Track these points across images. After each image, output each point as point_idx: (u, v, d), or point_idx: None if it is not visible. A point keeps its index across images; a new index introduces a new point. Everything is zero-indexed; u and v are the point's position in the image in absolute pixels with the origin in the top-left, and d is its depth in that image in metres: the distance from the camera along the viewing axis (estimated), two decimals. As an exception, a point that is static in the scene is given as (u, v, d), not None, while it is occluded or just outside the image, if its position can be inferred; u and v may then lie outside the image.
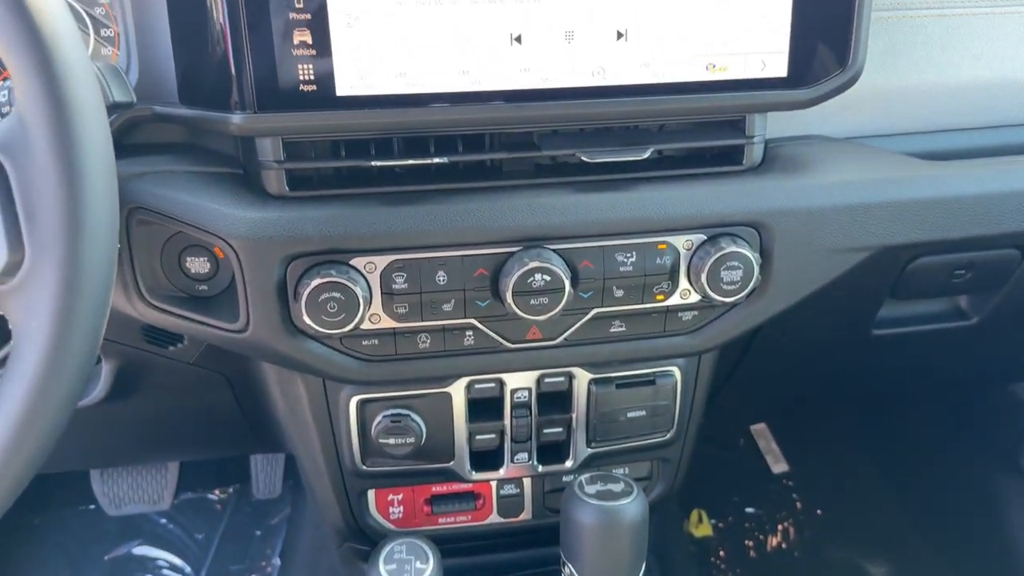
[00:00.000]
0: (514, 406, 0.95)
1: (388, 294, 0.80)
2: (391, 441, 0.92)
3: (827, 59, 0.79)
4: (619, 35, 0.77)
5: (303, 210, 0.77)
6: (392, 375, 0.85)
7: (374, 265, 0.79)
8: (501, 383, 0.93)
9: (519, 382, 0.94)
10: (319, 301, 0.76)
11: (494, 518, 1.04)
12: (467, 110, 0.75)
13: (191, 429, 1.23)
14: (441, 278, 0.80)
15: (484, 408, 0.94)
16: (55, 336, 0.53)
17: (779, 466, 2.04)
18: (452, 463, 0.97)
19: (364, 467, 0.96)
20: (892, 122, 0.95)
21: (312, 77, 0.73)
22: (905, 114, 0.94)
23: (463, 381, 0.92)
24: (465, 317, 0.82)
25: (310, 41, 0.72)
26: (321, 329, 0.77)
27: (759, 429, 2.08)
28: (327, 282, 0.76)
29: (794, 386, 1.49)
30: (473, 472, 0.99)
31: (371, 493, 1.01)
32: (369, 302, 0.78)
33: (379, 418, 0.92)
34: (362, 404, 0.92)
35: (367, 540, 1.05)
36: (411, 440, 0.92)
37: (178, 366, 0.99)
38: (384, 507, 1.02)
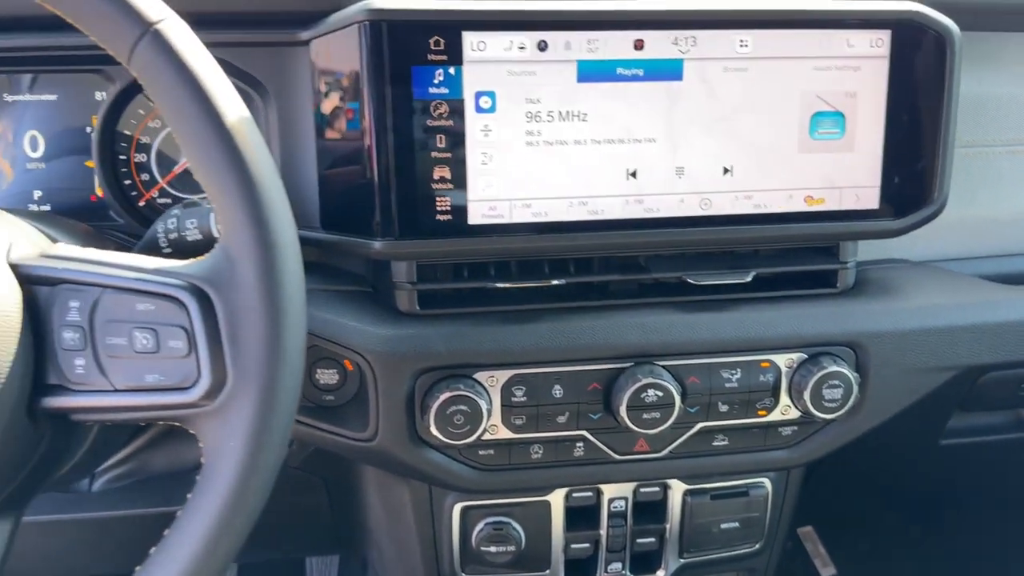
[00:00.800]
0: (610, 515, 0.98)
1: (507, 406, 0.84)
2: (492, 548, 0.95)
3: (915, 192, 0.85)
4: (725, 171, 0.84)
5: (432, 327, 0.82)
6: (505, 484, 0.89)
7: (495, 379, 0.84)
8: (599, 492, 0.96)
9: (616, 491, 0.97)
10: (447, 413, 0.81)
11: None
12: (586, 237, 0.82)
13: (275, 528, 1.25)
14: (557, 391, 0.84)
15: (581, 517, 0.97)
16: (251, 456, 0.58)
17: (827, 570, 2.03)
18: (547, 571, 1.00)
19: (462, 574, 0.98)
20: (968, 247, 1.01)
21: (448, 208, 0.80)
22: (979, 240, 1.01)
23: (562, 490, 0.96)
24: (577, 429, 0.86)
25: (449, 176, 0.79)
26: (446, 440, 0.82)
27: (806, 532, 2.07)
28: (455, 395, 0.81)
29: (851, 492, 1.51)
30: (567, 581, 1.01)
31: (462, 600, 1.03)
32: (490, 414, 0.82)
33: (481, 525, 0.95)
34: (465, 511, 0.95)
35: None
36: (511, 548, 0.95)
37: (284, 469, 1.03)
38: (474, 615, 1.04)
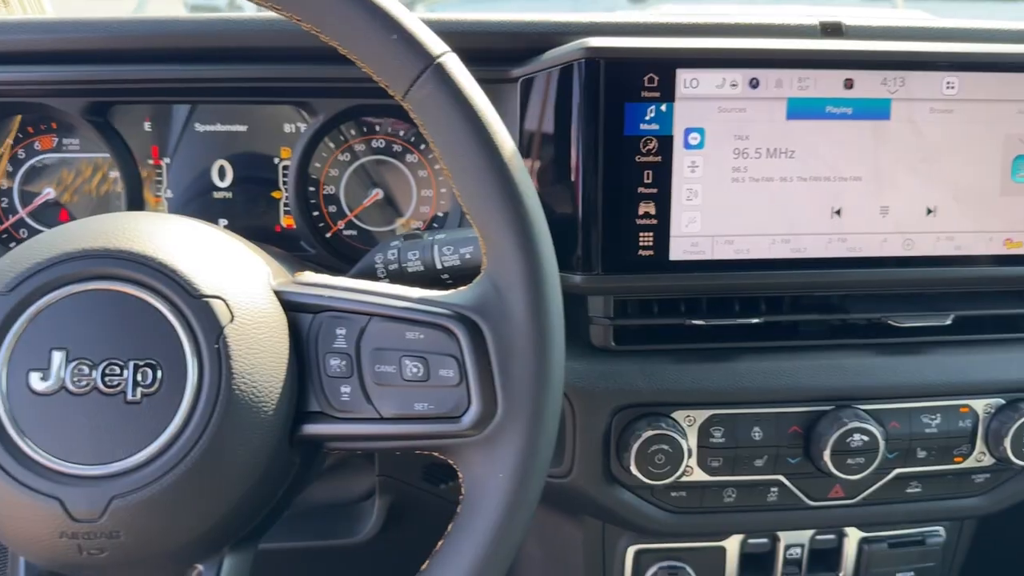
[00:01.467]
0: (785, 562, 0.95)
1: (705, 447, 0.83)
2: (665, 592, 0.93)
3: (1120, 237, 0.84)
4: (928, 211, 0.82)
5: (630, 364, 0.82)
6: (695, 527, 0.87)
7: (693, 419, 0.82)
8: (774, 538, 0.94)
9: (793, 538, 0.94)
10: (648, 452, 0.79)
11: None
12: (788, 275, 0.81)
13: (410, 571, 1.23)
14: (756, 434, 0.83)
15: (755, 563, 0.95)
16: (517, 489, 0.57)
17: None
18: (713, 618, 0.97)
19: (631, 618, 0.96)
20: None
21: (651, 244, 0.79)
22: None
23: (738, 536, 0.93)
24: (774, 473, 0.84)
25: (653, 212, 0.79)
26: (645, 479, 0.80)
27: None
28: (657, 434, 0.79)
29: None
30: (735, 627, 0.98)
31: (625, 643, 1.01)
32: (689, 454, 0.81)
33: (654, 568, 0.93)
34: (639, 554, 0.93)
35: None
36: (685, 592, 0.93)
37: (440, 504, 1.02)
38: (640, 660, 1.01)
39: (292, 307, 0.60)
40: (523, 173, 0.58)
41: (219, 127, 0.91)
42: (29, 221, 0.89)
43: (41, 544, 0.54)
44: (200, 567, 0.60)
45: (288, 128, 0.91)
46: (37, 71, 0.81)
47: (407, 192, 0.93)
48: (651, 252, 0.80)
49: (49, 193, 0.88)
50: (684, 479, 0.83)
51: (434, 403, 0.58)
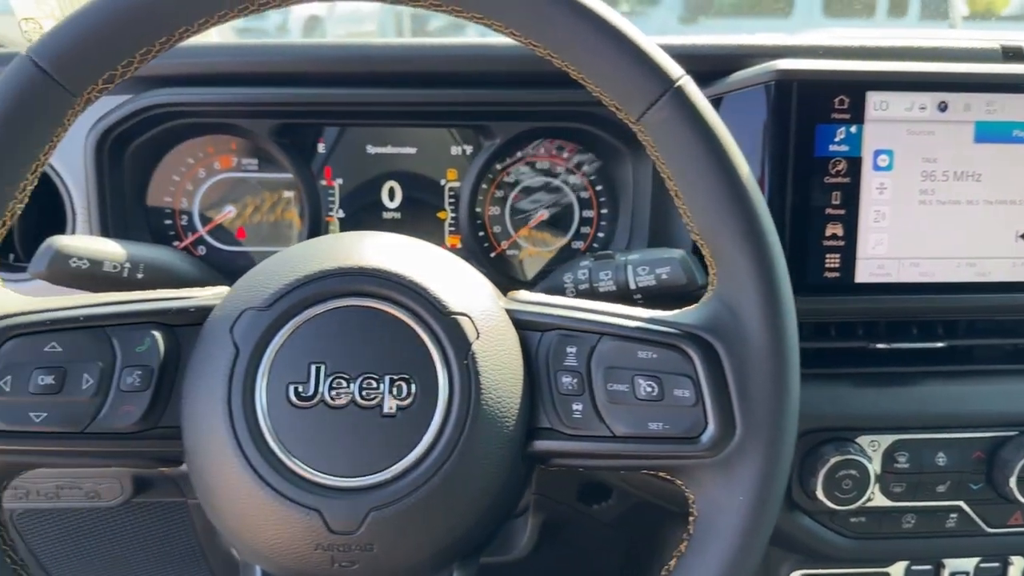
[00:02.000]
0: (949, 590, 0.93)
1: (888, 473, 0.82)
2: (829, 619, 0.92)
3: None
4: (1117, 235, 0.81)
5: (814, 388, 0.81)
6: (872, 554, 0.86)
7: (878, 444, 0.81)
8: (939, 565, 0.92)
9: (957, 565, 0.92)
10: (835, 477, 0.79)
11: None
12: (972, 299, 0.80)
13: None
14: (940, 459, 0.82)
15: (919, 592, 0.93)
16: (756, 512, 0.57)
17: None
18: (877, 646, 0.95)
19: (790, 645, 0.95)
20: None
21: (837, 266, 0.79)
22: None
23: (903, 562, 0.92)
24: (955, 499, 0.83)
25: (841, 234, 0.79)
26: (830, 504, 0.79)
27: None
28: (845, 459, 0.79)
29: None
30: (894, 658, 0.96)
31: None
32: (875, 480, 0.80)
33: (817, 595, 0.92)
34: (802, 579, 0.92)
35: None
36: (850, 619, 0.91)
37: (591, 524, 1.02)
38: None
39: (521, 325, 0.61)
40: (759, 196, 0.58)
41: (390, 149, 0.93)
42: (208, 239, 0.91)
43: (295, 556, 0.55)
44: None
45: (455, 151, 0.93)
46: (231, 92, 0.83)
47: (570, 213, 0.94)
48: (837, 274, 0.79)
49: (230, 212, 0.90)
50: (867, 505, 0.82)
51: (669, 423, 0.58)
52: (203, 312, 0.59)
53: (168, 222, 0.91)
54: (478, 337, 0.57)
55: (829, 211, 0.79)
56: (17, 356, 0.55)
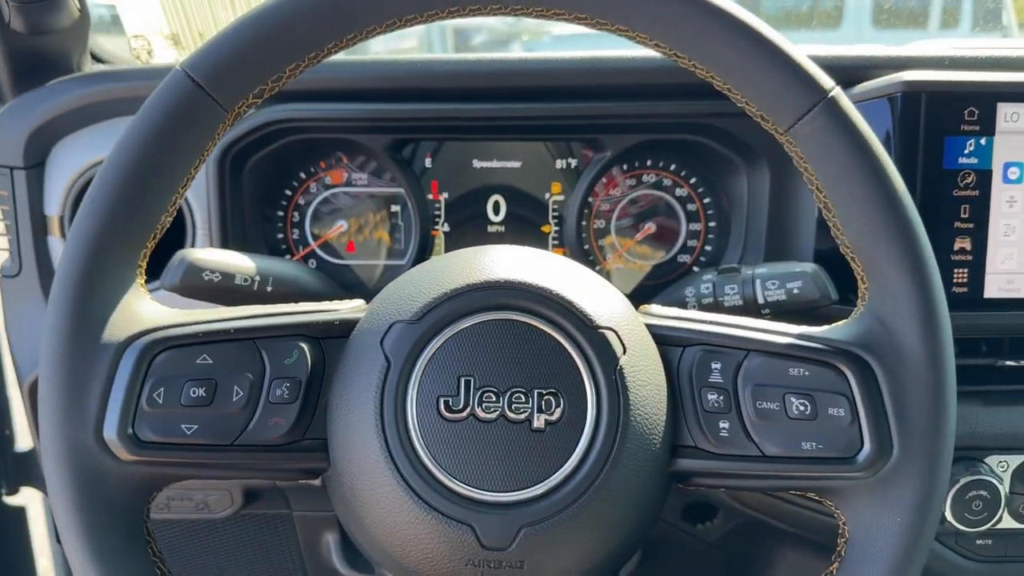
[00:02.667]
0: (1073, 618, 0.90)
1: (1017, 494, 0.79)
2: (948, 645, 0.89)
3: None
4: None
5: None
6: (996, 578, 0.83)
7: (1007, 464, 0.79)
8: (1062, 592, 0.89)
9: (1083, 593, 0.89)
10: (965, 499, 0.76)
11: None
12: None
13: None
14: (1073, 481, 0.79)
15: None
16: (915, 533, 0.55)
17: None
18: (995, 675, 0.92)
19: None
20: None
21: (965, 280, 0.77)
22: None
23: (1024, 587, 0.89)
24: (1089, 523, 0.80)
25: (969, 248, 0.77)
26: (959, 526, 0.77)
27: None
28: (976, 480, 0.76)
29: None
30: None
31: None
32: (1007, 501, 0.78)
33: (935, 618, 0.89)
34: (919, 602, 0.89)
35: None
36: (969, 647, 0.88)
37: (694, 544, 1.00)
38: None
39: (661, 340, 0.60)
40: (914, 209, 0.57)
41: (495, 163, 0.93)
42: (319, 252, 0.92)
43: (443, 570, 0.54)
44: None
45: (560, 164, 0.93)
46: (349, 108, 0.84)
47: (676, 227, 0.93)
48: (965, 289, 0.77)
49: (342, 226, 0.91)
50: (995, 527, 0.80)
51: (823, 442, 0.57)
52: (348, 325, 0.59)
53: (280, 236, 0.92)
54: (625, 352, 0.57)
55: (958, 225, 0.77)
56: (169, 368, 0.56)
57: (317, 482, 0.63)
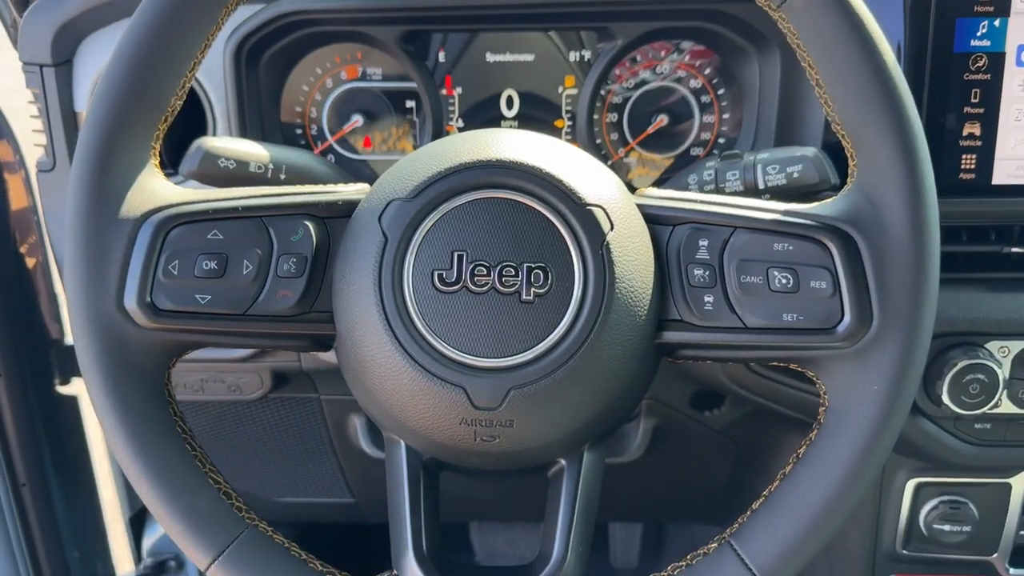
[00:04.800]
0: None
1: (1017, 379, 0.80)
2: (946, 528, 0.92)
3: None
4: None
5: (942, 292, 0.79)
6: (993, 461, 0.85)
7: (1007, 350, 0.80)
8: (1065, 477, 0.91)
9: (1087, 478, 0.91)
10: (963, 382, 0.78)
11: (1012, 619, 1.00)
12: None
13: (660, 494, 1.25)
14: (1073, 366, 0.80)
15: (1040, 502, 0.92)
16: (891, 402, 0.57)
17: None
18: (994, 556, 0.95)
19: (904, 552, 0.95)
20: None
21: (973, 166, 0.77)
22: None
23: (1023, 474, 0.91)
24: (1089, 408, 0.81)
25: (978, 133, 0.76)
26: (955, 409, 0.79)
27: None
28: (974, 363, 0.78)
29: None
30: (1011, 568, 0.96)
31: (892, 579, 1.00)
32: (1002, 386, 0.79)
33: (934, 502, 0.92)
34: (919, 487, 0.92)
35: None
36: (967, 528, 0.91)
37: (702, 431, 1.04)
38: (903, 595, 1.01)
39: (652, 219, 0.62)
40: (905, 85, 0.57)
41: (508, 56, 0.93)
42: (336, 147, 0.95)
43: (440, 429, 0.59)
44: (563, 461, 0.64)
45: (573, 56, 0.93)
46: (360, 0, 0.85)
47: (690, 118, 0.93)
48: (973, 175, 0.77)
49: (358, 121, 0.93)
50: (993, 411, 0.81)
51: (804, 314, 0.59)
52: (350, 205, 0.62)
53: (299, 131, 0.94)
54: (612, 228, 0.59)
55: (967, 110, 0.76)
56: (183, 243, 0.60)
57: (331, 357, 0.67)
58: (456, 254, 0.58)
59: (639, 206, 0.62)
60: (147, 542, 1.50)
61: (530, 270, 0.58)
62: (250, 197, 0.62)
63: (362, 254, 0.59)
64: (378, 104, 0.94)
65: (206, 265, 0.60)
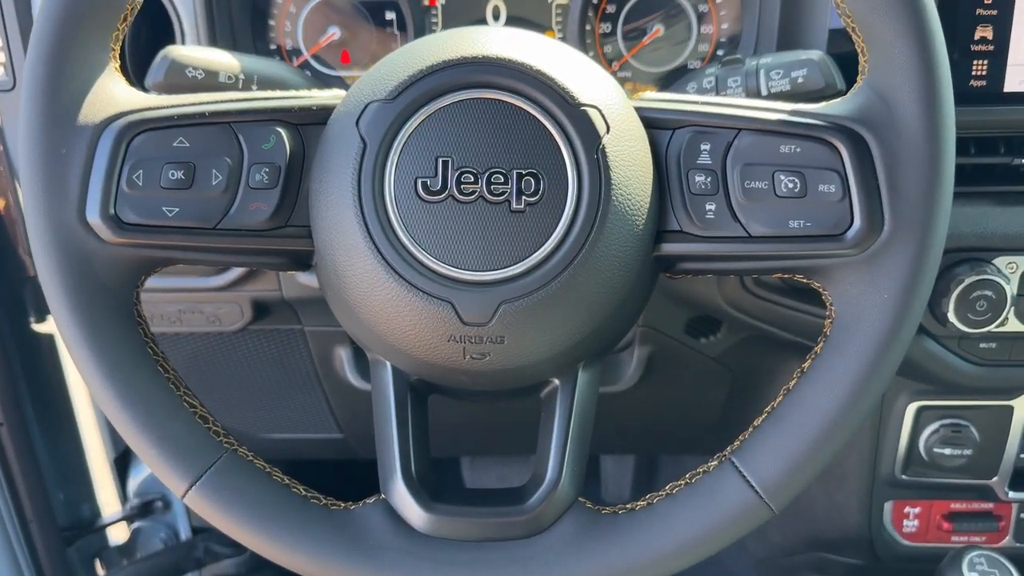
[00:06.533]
0: (1077, 425, 0.90)
1: (1024, 296, 0.78)
2: (946, 451, 0.90)
3: None
4: None
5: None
6: (999, 382, 0.83)
7: (1015, 265, 0.77)
8: (1067, 399, 0.89)
9: (1089, 401, 0.89)
10: (969, 299, 0.75)
11: (1009, 541, 0.99)
12: None
13: (654, 424, 1.23)
14: (1084, 282, 0.77)
15: (1042, 425, 0.91)
16: (904, 305, 0.54)
17: None
18: (993, 480, 0.94)
19: (903, 476, 0.94)
20: None
21: (984, 73, 0.73)
22: None
23: (1027, 395, 0.89)
24: (1098, 325, 0.79)
25: (990, 37, 0.72)
26: (961, 327, 0.76)
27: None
28: (981, 279, 0.75)
29: None
30: (1010, 492, 0.95)
31: (888, 505, 0.99)
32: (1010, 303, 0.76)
33: (935, 426, 0.90)
34: (920, 411, 0.90)
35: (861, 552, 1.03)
36: (968, 452, 0.90)
37: (698, 359, 1.01)
38: (899, 520, 1.00)
39: (650, 123, 0.58)
40: None
41: (495, -36, 0.88)
42: (312, 63, 0.90)
43: (427, 346, 0.55)
44: (556, 381, 0.61)
45: (563, -32, 0.88)
46: None
47: (687, 29, 0.88)
48: (984, 82, 0.73)
49: (334, 34, 0.88)
50: (999, 329, 0.79)
51: (811, 220, 0.55)
52: (326, 111, 0.58)
53: (273, 48, 0.89)
54: (608, 131, 0.55)
55: (980, 12, 0.72)
56: (147, 151, 0.55)
57: (311, 280, 0.64)
58: (441, 160, 0.54)
59: (637, 109, 0.58)
60: (133, 483, 1.48)
61: (520, 176, 0.54)
62: (217, 102, 0.57)
63: (339, 161, 0.55)
64: (356, 16, 0.89)
65: (172, 175, 0.55)
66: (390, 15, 0.89)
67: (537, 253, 0.54)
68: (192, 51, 0.70)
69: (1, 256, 1.18)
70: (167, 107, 0.56)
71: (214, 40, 0.82)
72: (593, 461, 1.78)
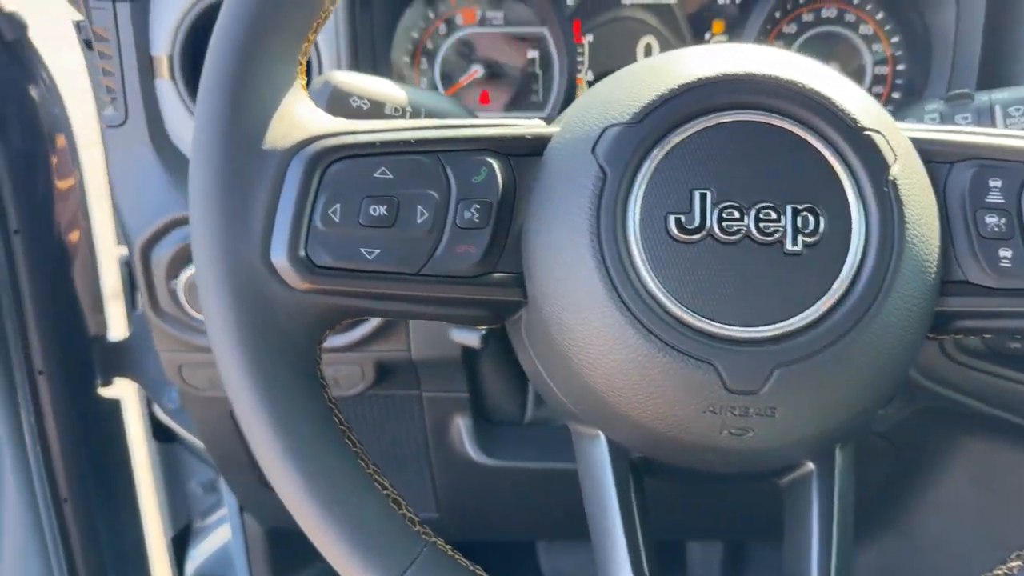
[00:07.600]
0: None
1: None
2: None
3: None
4: None
5: None
6: None
7: None
8: None
9: None
10: None
11: None
12: None
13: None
14: None
15: None
16: None
17: None
18: None
19: None
20: None
21: None
22: None
23: None
24: None
25: None
26: None
27: None
28: None
29: None
30: None
31: None
32: None
33: None
34: None
35: None
36: None
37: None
38: None
39: (924, 156, 0.49)
40: None
41: (647, -1, 0.81)
42: (449, 103, 0.82)
43: (676, 419, 0.45)
44: (811, 465, 0.51)
45: (722, 0, 0.81)
46: None
47: (860, 67, 0.81)
48: None
49: (477, 71, 0.81)
50: None
51: None
52: (541, 141, 0.49)
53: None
54: (896, 160, 0.46)
55: None
56: (345, 182, 0.47)
57: (468, 338, 0.54)
58: (697, 193, 0.45)
59: (912, 139, 0.50)
60: (191, 565, 1.36)
61: (796, 212, 0.45)
62: (422, 128, 0.49)
63: (571, 195, 0.46)
64: (498, 54, 0.82)
65: (374, 211, 0.46)
66: (532, 54, 0.82)
67: (819, 304, 0.44)
68: (354, 78, 0.62)
69: (69, 313, 1.09)
70: (366, 132, 0.48)
71: (356, 69, 0.74)
72: (678, 547, 1.66)
